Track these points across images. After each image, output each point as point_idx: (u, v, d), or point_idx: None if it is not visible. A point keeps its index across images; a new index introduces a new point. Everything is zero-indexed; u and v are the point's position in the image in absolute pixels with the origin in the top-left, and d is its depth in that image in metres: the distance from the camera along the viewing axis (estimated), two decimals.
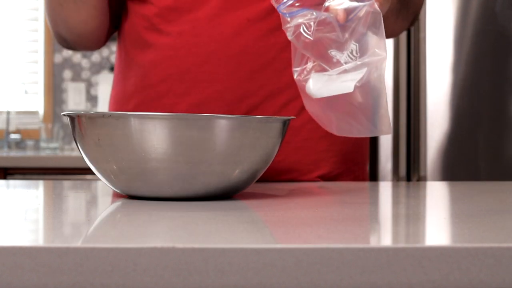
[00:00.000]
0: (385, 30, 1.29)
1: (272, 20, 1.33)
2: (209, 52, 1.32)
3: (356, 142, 1.42)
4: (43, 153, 3.32)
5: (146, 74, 1.37)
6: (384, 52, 1.10)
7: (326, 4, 1.11)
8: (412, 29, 2.62)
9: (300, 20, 1.13)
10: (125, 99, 1.42)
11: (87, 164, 1.02)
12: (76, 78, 3.68)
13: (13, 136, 3.58)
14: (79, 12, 1.42)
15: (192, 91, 1.33)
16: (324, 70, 1.14)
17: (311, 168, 1.38)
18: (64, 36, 1.45)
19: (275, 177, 1.36)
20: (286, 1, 1.12)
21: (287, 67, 1.34)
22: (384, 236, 0.79)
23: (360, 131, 1.17)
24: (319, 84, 1.14)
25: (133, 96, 1.40)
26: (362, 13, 1.10)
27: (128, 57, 1.42)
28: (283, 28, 1.16)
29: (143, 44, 1.38)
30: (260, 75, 1.33)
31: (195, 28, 1.33)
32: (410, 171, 2.65)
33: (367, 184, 1.36)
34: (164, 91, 1.35)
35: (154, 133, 0.94)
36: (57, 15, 1.42)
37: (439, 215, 0.97)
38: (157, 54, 1.35)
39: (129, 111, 1.39)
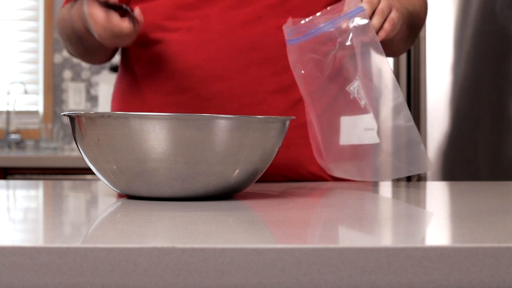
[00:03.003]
0: (394, 53, 1.32)
1: (280, 16, 1.33)
2: (219, 48, 1.32)
3: None
4: (43, 153, 3.32)
5: (152, 70, 1.37)
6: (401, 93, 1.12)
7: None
8: None
9: (311, 55, 1.15)
10: (131, 96, 1.41)
11: (87, 164, 1.02)
12: (76, 78, 3.68)
13: (13, 136, 3.58)
14: (100, 57, 1.47)
15: (202, 87, 1.33)
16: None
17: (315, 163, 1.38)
18: (75, 57, 1.49)
19: (276, 177, 1.36)
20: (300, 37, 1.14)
21: None
22: (384, 236, 0.79)
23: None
24: (347, 130, 1.16)
25: (140, 92, 1.39)
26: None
27: (131, 55, 1.41)
28: (292, 67, 1.19)
29: (149, 41, 1.37)
30: (270, 71, 1.33)
31: (205, 24, 1.33)
32: None
33: (367, 184, 1.36)
34: (172, 86, 1.35)
35: (154, 133, 0.94)
36: (76, 53, 1.46)
37: (439, 215, 0.97)
38: (164, 50, 1.34)
39: (136, 108, 1.39)
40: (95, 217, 0.92)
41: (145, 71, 1.39)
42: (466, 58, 2.56)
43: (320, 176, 1.38)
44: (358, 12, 1.11)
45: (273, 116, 1.01)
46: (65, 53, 3.66)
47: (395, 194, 1.15)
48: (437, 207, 1.04)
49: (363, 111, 1.14)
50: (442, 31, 2.56)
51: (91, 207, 1.06)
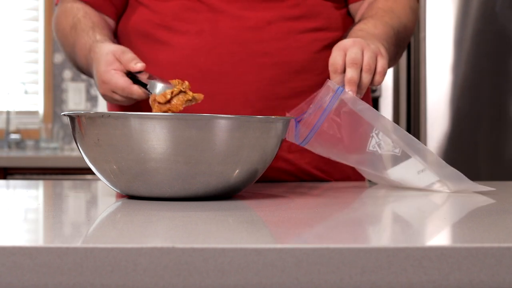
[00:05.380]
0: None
1: (290, 21, 1.32)
2: (231, 53, 1.30)
3: None
4: (43, 153, 3.31)
5: (162, 73, 1.35)
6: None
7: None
8: None
9: (328, 139, 1.17)
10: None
11: (87, 164, 1.02)
12: (76, 78, 3.68)
13: (13, 136, 3.58)
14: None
15: (216, 92, 1.31)
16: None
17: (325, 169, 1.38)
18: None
19: (276, 177, 1.35)
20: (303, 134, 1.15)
21: (308, 69, 1.33)
22: (384, 236, 0.79)
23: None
24: (399, 176, 1.19)
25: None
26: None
27: (137, 54, 1.39)
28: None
29: (154, 42, 1.35)
30: (282, 77, 1.32)
31: (214, 28, 1.31)
32: None
33: (367, 184, 1.36)
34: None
35: (154, 133, 0.94)
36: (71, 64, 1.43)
37: (439, 215, 0.97)
38: (173, 53, 1.32)
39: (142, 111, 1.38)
40: (95, 217, 0.92)
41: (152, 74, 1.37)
42: (466, 58, 2.56)
43: (321, 178, 1.38)
44: (340, 94, 1.13)
45: (273, 116, 1.01)
46: None
47: (395, 194, 1.15)
48: (437, 207, 1.04)
49: (402, 158, 1.17)
50: (442, 31, 2.56)
51: (91, 207, 1.06)
